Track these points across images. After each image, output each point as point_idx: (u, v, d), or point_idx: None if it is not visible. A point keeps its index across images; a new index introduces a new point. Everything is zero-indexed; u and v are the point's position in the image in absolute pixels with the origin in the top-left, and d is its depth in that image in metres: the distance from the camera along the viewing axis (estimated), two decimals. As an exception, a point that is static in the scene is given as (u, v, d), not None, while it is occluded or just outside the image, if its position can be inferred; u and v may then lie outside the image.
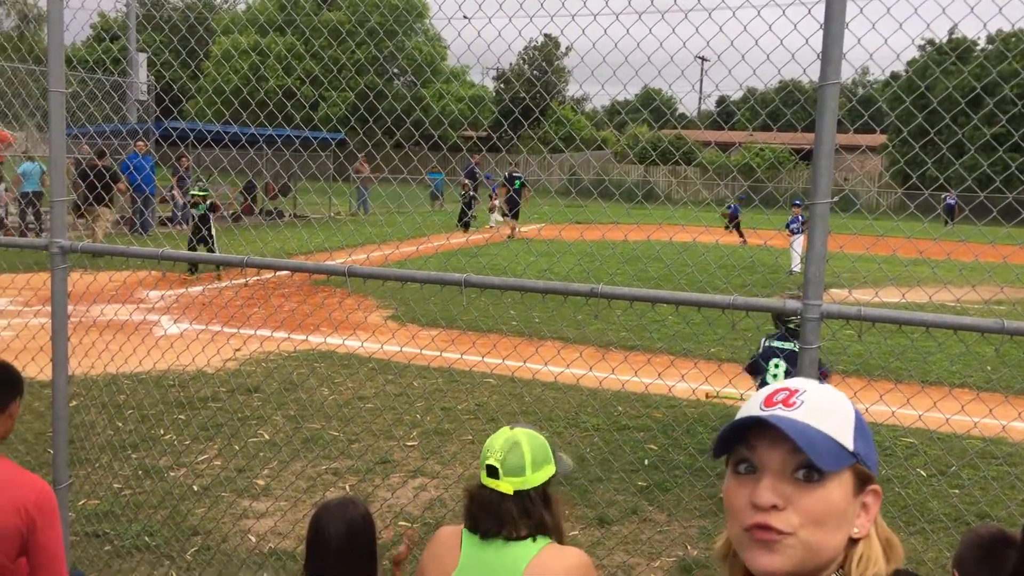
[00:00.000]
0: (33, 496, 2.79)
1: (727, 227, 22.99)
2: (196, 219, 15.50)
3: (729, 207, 24.40)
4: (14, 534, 2.73)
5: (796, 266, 18.13)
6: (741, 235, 22.68)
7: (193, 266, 14.76)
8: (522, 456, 2.49)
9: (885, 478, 6.27)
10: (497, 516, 2.47)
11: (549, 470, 2.49)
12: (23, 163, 20.33)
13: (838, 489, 1.25)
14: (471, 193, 24.69)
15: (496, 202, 25.92)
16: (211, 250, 14.25)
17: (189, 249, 14.04)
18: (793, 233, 18.44)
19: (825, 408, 1.29)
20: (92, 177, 17.01)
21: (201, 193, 15.49)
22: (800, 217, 18.34)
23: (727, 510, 1.31)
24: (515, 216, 23.77)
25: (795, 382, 1.34)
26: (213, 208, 15.46)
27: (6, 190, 20.09)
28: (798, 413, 1.27)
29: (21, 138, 22.58)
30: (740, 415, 1.32)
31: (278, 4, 40.40)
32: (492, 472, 2.49)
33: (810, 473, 1.24)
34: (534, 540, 2.45)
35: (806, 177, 40.81)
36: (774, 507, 1.24)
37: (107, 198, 17.58)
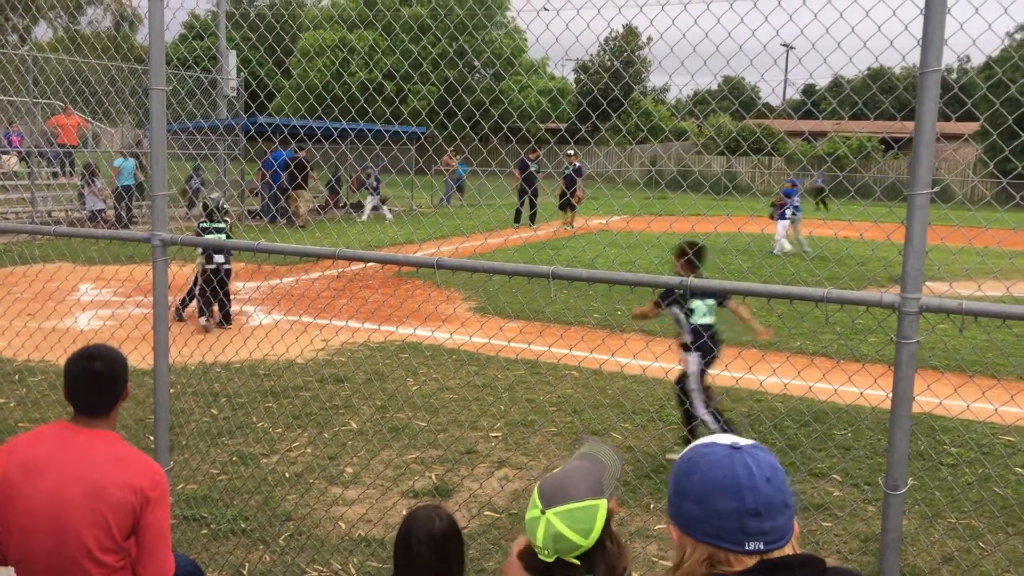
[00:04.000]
0: (148, 476, 2.88)
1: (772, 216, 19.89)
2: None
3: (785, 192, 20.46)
4: (128, 510, 2.83)
5: (777, 249, 18.42)
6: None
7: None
8: (570, 541, 2.13)
9: (984, 476, 6.07)
10: None
11: (600, 518, 2.13)
12: (117, 158, 21.14)
13: None
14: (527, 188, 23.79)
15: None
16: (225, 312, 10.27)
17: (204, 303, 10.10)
18: (781, 218, 18.51)
19: None
20: (293, 167, 19.94)
21: None
22: (792, 203, 18.48)
23: None
24: (567, 206, 23.13)
25: None
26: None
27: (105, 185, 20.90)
28: None
29: (118, 134, 23.41)
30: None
31: (362, -1, 40.79)
32: (550, 562, 2.17)
33: None
34: None
35: (895, 167, 39.66)
36: None
37: (298, 181, 20.00)
